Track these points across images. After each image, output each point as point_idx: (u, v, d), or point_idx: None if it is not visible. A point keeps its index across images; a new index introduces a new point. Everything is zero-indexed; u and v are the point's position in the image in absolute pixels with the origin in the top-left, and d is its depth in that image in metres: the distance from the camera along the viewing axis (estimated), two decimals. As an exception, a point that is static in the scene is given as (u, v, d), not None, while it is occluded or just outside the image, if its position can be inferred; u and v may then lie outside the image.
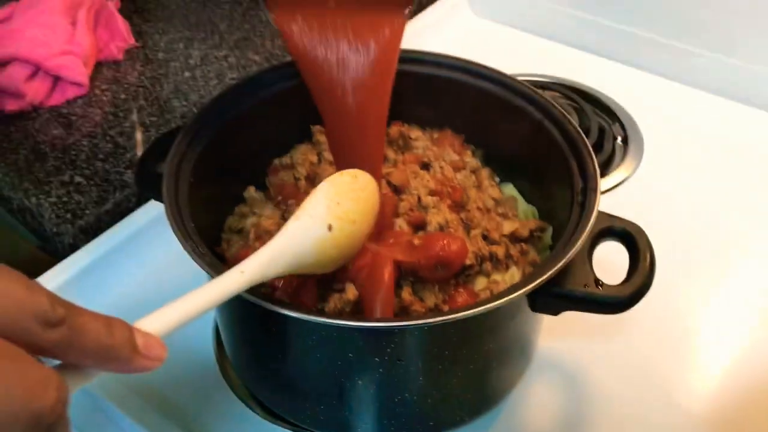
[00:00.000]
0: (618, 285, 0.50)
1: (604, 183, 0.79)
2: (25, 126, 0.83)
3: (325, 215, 0.45)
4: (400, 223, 0.54)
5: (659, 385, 0.62)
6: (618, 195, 0.79)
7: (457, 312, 0.44)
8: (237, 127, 0.62)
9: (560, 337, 0.64)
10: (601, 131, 0.86)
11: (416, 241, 0.51)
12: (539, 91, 0.61)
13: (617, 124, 0.89)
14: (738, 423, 0.60)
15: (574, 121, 0.84)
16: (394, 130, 0.67)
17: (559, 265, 0.47)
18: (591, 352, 0.64)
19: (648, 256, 0.51)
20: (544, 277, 0.46)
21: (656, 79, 0.96)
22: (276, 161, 0.66)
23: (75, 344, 0.31)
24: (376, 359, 0.48)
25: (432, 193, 0.59)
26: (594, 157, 0.54)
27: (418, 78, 0.66)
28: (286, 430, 0.58)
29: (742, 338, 0.66)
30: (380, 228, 0.54)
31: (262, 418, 0.59)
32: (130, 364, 0.33)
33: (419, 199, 0.58)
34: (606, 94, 0.92)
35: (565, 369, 0.64)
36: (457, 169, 0.64)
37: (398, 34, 0.52)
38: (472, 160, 0.65)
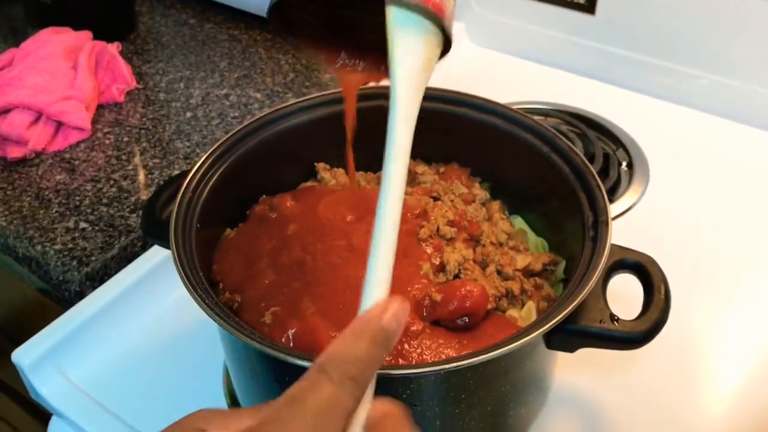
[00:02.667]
0: (634, 320, 0.49)
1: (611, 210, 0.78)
2: (29, 172, 0.83)
3: None
4: (426, 269, 0.54)
5: (675, 414, 0.61)
6: (626, 221, 0.78)
7: (474, 356, 0.44)
8: (242, 170, 0.61)
9: (574, 370, 0.63)
10: (606, 157, 0.86)
11: (437, 296, 0.51)
12: (544, 123, 0.61)
13: (621, 149, 0.88)
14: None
15: (579, 149, 0.84)
16: (400, 165, 0.66)
17: (575, 303, 0.46)
18: (605, 383, 0.63)
19: (663, 288, 0.51)
20: (560, 316, 0.45)
21: (658, 103, 0.96)
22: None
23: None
24: (392, 405, 0.47)
25: (450, 223, 0.59)
26: (603, 189, 0.54)
27: (421, 113, 0.66)
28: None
29: (759, 359, 0.65)
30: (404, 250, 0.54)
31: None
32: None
33: (438, 228, 0.58)
34: (609, 119, 0.92)
35: (580, 402, 0.63)
36: (467, 202, 0.63)
37: None
38: (481, 193, 0.65)
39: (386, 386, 0.46)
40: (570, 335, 0.49)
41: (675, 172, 0.85)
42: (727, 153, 0.88)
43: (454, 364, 0.43)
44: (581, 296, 0.46)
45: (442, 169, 0.67)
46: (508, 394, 0.51)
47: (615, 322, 0.49)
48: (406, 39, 0.42)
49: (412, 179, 0.66)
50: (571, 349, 0.51)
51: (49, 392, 0.64)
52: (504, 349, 0.44)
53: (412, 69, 0.42)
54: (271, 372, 0.50)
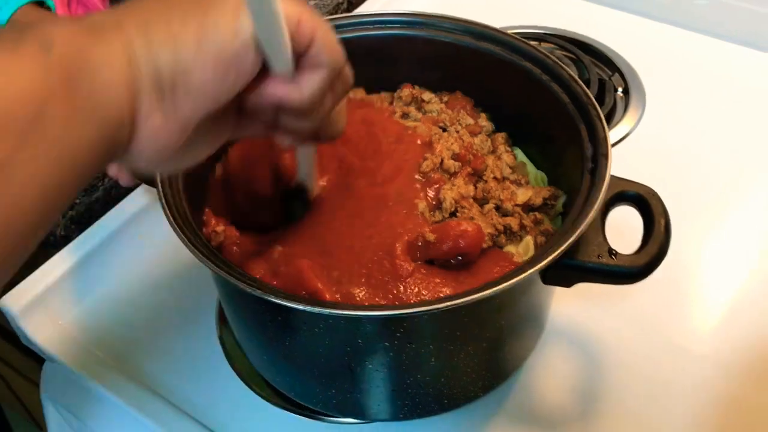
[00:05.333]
0: (632, 254, 0.48)
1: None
2: None
3: None
4: (422, 208, 0.52)
5: (668, 341, 0.61)
6: (621, 150, 0.77)
7: (468, 295, 0.43)
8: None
9: (568, 301, 0.62)
10: (601, 83, 0.83)
11: (430, 236, 0.49)
12: (545, 50, 0.58)
13: (617, 74, 0.86)
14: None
15: (575, 75, 0.82)
16: (406, 92, 0.64)
17: (572, 239, 0.45)
18: (598, 312, 0.63)
19: (662, 221, 0.49)
20: (557, 252, 0.44)
21: (655, 25, 0.93)
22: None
23: None
24: (386, 344, 0.47)
25: (455, 157, 0.57)
26: (604, 120, 0.52)
27: (420, 42, 0.63)
28: (291, 414, 0.58)
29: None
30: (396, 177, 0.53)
31: (264, 399, 0.59)
32: None
33: (442, 162, 0.56)
34: (604, 43, 0.89)
35: (575, 333, 0.63)
36: (473, 133, 0.61)
37: None
38: (487, 124, 0.63)
39: (382, 326, 0.46)
40: (567, 270, 0.48)
41: (672, 97, 0.83)
42: (726, 76, 0.86)
43: (447, 304, 0.42)
44: (578, 232, 0.45)
45: (446, 98, 0.64)
46: (503, 329, 0.51)
47: (613, 257, 0.48)
48: None
49: (418, 107, 0.63)
50: (568, 284, 0.50)
51: (41, 339, 0.63)
52: (498, 287, 0.43)
53: None
54: (262, 312, 0.49)
